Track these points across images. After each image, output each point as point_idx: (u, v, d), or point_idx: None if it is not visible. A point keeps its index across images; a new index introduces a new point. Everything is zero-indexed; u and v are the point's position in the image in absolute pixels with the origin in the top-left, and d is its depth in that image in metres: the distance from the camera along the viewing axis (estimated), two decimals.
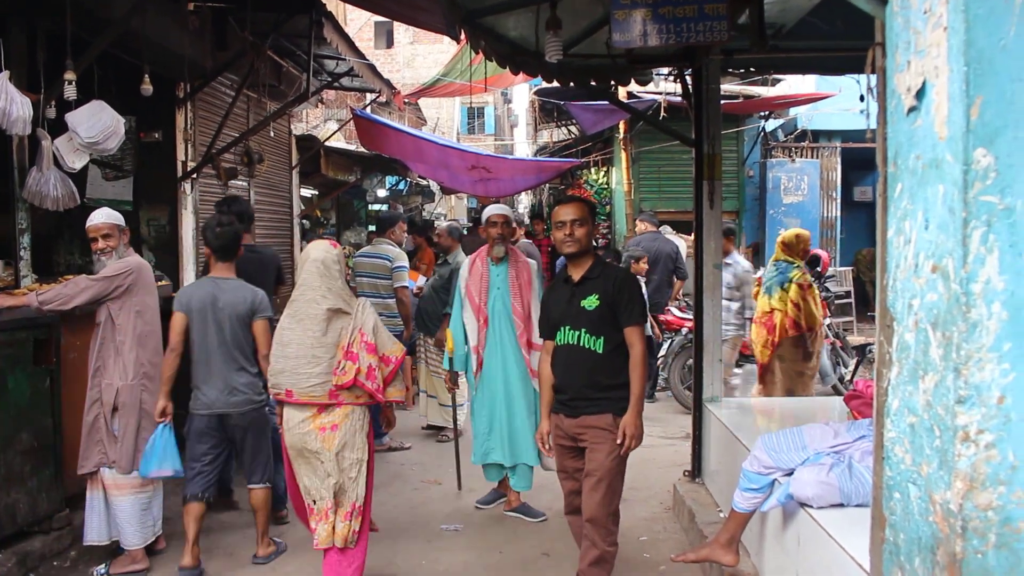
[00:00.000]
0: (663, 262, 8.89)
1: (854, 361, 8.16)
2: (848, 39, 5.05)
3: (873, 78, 2.06)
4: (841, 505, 3.02)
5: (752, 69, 7.02)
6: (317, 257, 3.81)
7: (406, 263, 7.00)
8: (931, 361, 1.49)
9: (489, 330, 5.09)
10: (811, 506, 3.06)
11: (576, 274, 3.74)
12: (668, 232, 9.71)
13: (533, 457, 5.07)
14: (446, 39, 16.38)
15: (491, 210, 5.23)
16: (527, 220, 12.66)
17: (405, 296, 6.83)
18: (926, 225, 1.56)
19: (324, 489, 3.75)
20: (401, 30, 29.56)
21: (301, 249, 11.63)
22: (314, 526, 3.80)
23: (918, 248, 1.58)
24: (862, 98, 8.28)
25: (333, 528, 3.76)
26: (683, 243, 10.38)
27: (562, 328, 3.74)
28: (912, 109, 1.63)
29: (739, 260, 7.72)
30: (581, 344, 3.65)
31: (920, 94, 1.60)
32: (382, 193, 16.98)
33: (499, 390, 5.12)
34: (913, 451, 1.55)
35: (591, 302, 3.64)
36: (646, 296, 6.23)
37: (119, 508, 4.32)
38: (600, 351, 3.63)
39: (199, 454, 4.38)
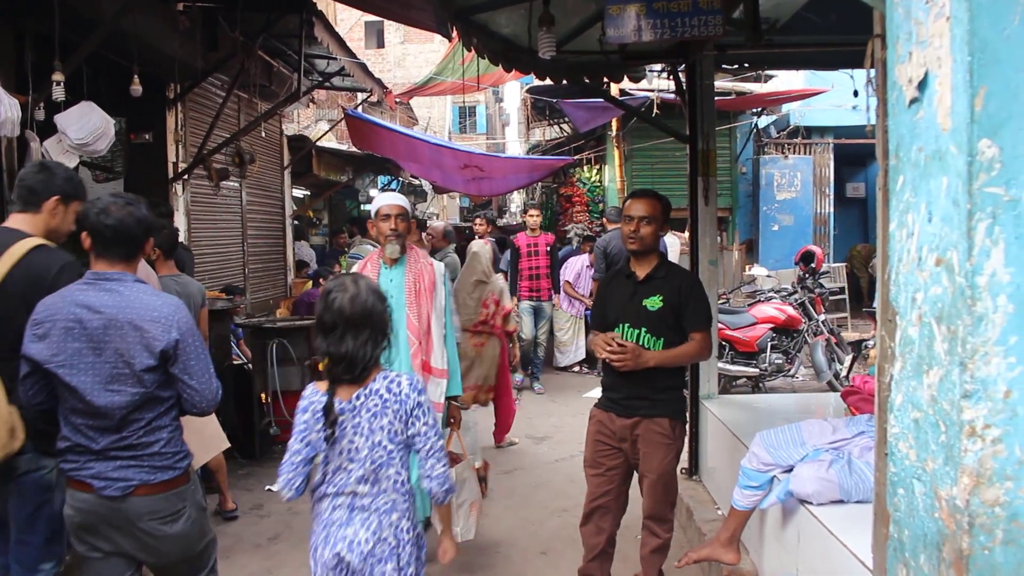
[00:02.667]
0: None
1: (849, 357, 8.16)
2: (842, 33, 5.04)
3: (872, 71, 2.04)
4: (841, 501, 3.01)
5: (746, 65, 7.01)
6: (476, 250, 6.53)
7: None
8: (936, 355, 1.47)
9: None
10: (811, 503, 3.05)
11: (641, 272, 3.66)
12: None
13: (423, 507, 3.78)
14: (437, 39, 16.34)
15: (383, 200, 4.24)
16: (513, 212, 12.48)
17: None
18: (929, 218, 1.53)
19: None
20: (392, 30, 29.51)
21: (294, 249, 11.61)
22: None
23: (921, 241, 1.56)
24: (856, 93, 8.33)
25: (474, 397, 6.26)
26: (676, 240, 10.38)
27: (620, 325, 3.65)
28: (914, 100, 1.61)
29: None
30: (641, 344, 3.57)
31: (922, 85, 1.57)
32: (374, 193, 16.94)
33: None
34: (918, 447, 1.53)
35: (654, 302, 3.57)
36: None
37: None
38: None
39: None
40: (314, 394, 2.51)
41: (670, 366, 3.58)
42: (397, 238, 4.11)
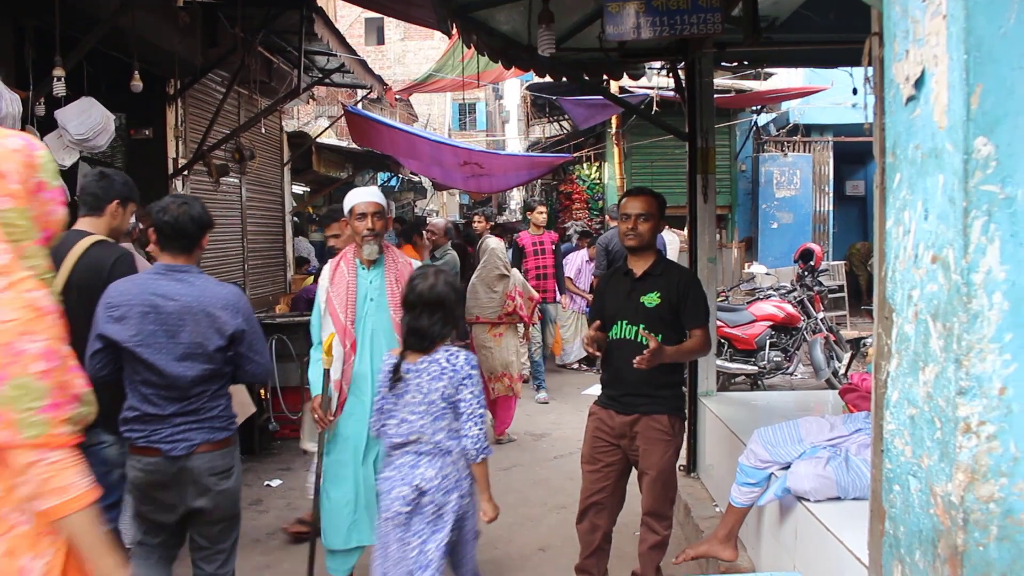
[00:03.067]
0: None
1: (848, 355, 8.17)
2: (840, 31, 5.05)
3: (870, 69, 2.05)
4: (838, 498, 3.02)
5: (745, 62, 7.01)
6: (494, 246, 7.02)
7: None
8: (931, 352, 1.48)
9: (358, 358, 3.76)
10: (808, 500, 3.06)
11: (638, 269, 3.68)
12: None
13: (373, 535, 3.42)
14: (437, 35, 16.33)
15: (358, 196, 3.88)
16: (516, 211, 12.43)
17: None
18: (926, 215, 1.54)
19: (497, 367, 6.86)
20: (392, 26, 29.50)
21: (293, 246, 11.61)
22: (493, 384, 6.82)
23: (918, 238, 1.56)
24: (855, 91, 8.32)
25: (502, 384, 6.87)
26: (675, 237, 10.38)
27: (618, 322, 3.67)
28: (911, 98, 1.61)
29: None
30: (639, 340, 3.56)
31: (919, 83, 1.58)
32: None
33: (363, 442, 3.75)
34: (913, 443, 1.54)
35: (652, 299, 3.59)
36: None
37: None
38: None
39: None
40: (390, 358, 3.15)
41: (680, 360, 3.66)
42: (375, 238, 3.78)
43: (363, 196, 3.87)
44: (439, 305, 3.08)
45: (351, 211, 3.84)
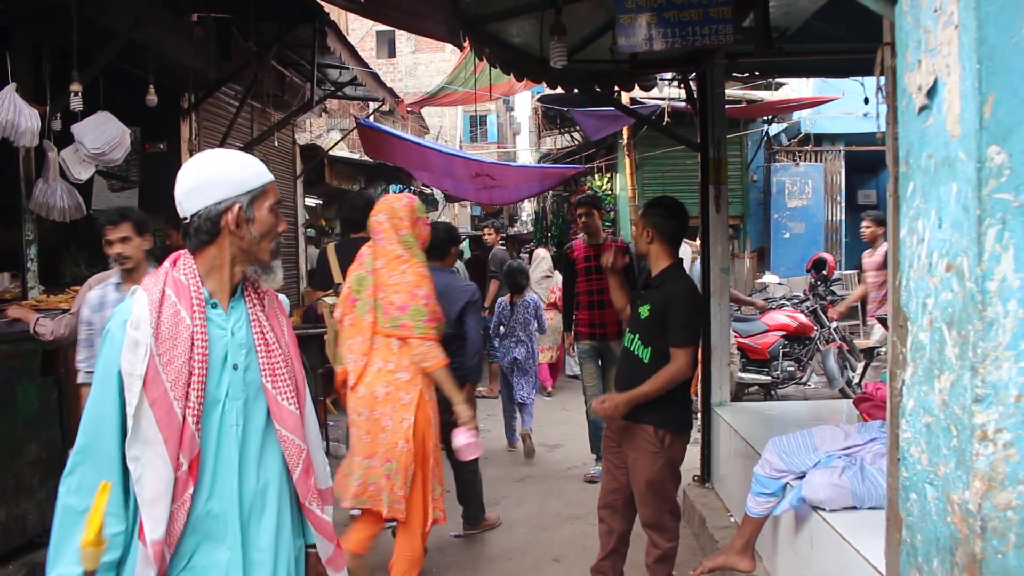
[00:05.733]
0: None
1: (862, 364, 8.13)
2: (851, 41, 5.06)
3: (882, 79, 2.05)
4: (854, 508, 3.01)
5: (756, 73, 7.02)
6: (543, 255, 10.63)
7: None
8: (947, 360, 1.48)
9: (209, 491, 1.89)
10: (823, 509, 3.05)
11: (651, 278, 3.71)
12: None
13: None
14: (448, 48, 16.35)
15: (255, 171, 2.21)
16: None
17: None
18: (939, 224, 1.55)
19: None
20: (403, 40, 29.67)
21: (306, 259, 11.66)
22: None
23: (932, 247, 1.57)
24: (867, 100, 8.31)
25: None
26: (688, 248, 10.37)
27: (627, 330, 3.71)
28: (923, 108, 1.63)
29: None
30: (633, 349, 3.59)
31: (931, 93, 1.59)
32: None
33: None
34: (930, 451, 1.54)
35: (645, 311, 3.57)
36: None
37: None
38: (646, 361, 3.52)
39: None
40: (503, 301, 7.49)
41: (650, 398, 3.42)
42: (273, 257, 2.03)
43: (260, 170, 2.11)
44: (521, 271, 7.54)
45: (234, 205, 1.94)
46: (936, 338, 1.52)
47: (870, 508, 2.94)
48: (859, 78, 7.29)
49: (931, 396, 1.53)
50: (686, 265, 9.30)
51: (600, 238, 6.23)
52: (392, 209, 3.73)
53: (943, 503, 1.49)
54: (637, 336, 3.59)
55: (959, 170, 1.49)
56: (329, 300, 5.04)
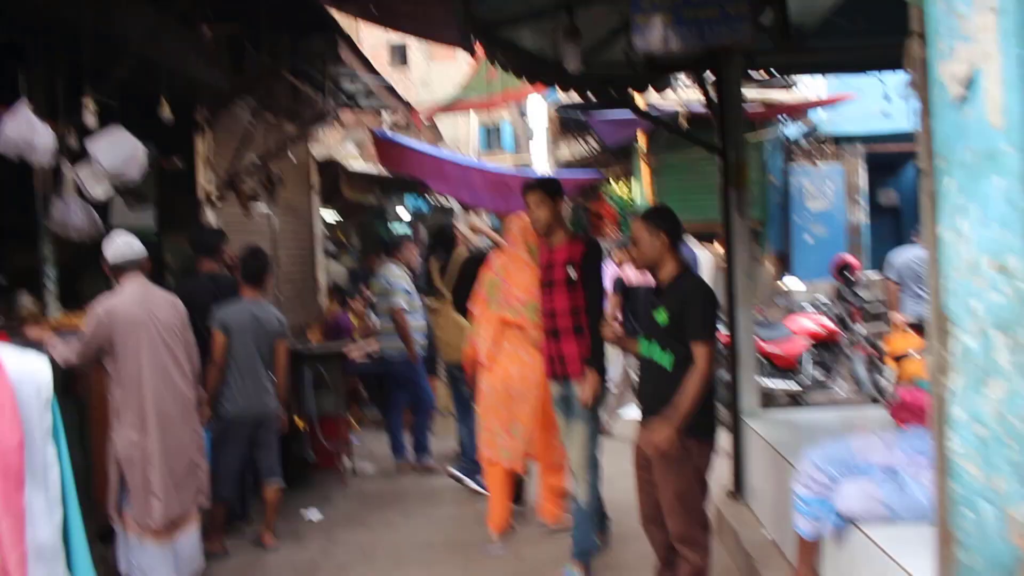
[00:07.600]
0: None
1: (890, 369, 7.96)
2: (871, 37, 4.95)
3: (911, 71, 1.96)
4: (889, 520, 2.87)
5: (774, 72, 6.91)
6: None
7: (403, 283, 6.90)
8: (998, 367, 1.39)
9: None
10: (859, 522, 2.92)
11: (661, 283, 3.63)
12: (692, 243, 9.54)
13: None
14: (460, 57, 16.38)
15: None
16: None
17: (400, 318, 6.73)
18: (983, 220, 1.46)
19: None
20: (416, 50, 29.73)
21: (326, 272, 11.65)
22: None
23: (975, 245, 1.48)
24: (887, 97, 8.15)
25: None
26: (709, 255, 10.23)
27: (644, 339, 3.64)
28: (960, 98, 1.54)
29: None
30: (653, 358, 3.52)
31: (969, 82, 1.50)
32: (404, 214, 16.98)
33: None
34: (984, 465, 1.44)
35: (662, 316, 3.49)
36: None
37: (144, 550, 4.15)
38: (668, 368, 3.45)
39: (232, 457, 4.99)
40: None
41: (691, 409, 3.35)
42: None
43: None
44: None
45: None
46: (985, 343, 1.43)
47: (909, 521, 2.80)
48: (878, 74, 7.18)
49: (983, 406, 1.43)
50: (707, 274, 9.19)
51: (559, 238, 4.49)
52: (524, 224, 4.92)
53: (1001, 521, 1.40)
54: (656, 342, 3.51)
55: (1003, 163, 1.41)
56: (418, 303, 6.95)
